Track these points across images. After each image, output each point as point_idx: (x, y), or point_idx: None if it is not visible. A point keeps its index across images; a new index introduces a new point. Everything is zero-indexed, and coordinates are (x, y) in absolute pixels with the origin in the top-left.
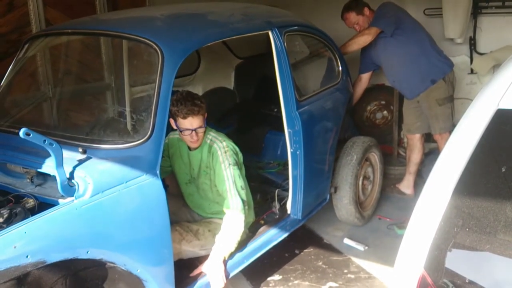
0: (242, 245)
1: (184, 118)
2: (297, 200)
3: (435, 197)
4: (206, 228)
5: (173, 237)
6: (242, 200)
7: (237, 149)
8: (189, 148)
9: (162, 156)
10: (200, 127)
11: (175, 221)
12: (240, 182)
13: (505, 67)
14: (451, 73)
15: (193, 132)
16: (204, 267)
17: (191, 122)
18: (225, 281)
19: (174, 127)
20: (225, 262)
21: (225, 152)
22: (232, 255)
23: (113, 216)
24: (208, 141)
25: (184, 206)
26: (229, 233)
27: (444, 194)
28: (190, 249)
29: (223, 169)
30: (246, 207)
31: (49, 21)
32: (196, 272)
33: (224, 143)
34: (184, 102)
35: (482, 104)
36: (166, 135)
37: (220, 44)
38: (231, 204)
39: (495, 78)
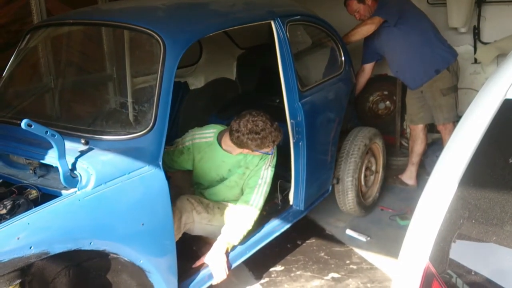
0: (244, 237)
1: (274, 146)
2: (300, 191)
3: (440, 188)
4: (216, 205)
5: (184, 206)
6: (263, 201)
7: None
8: (225, 150)
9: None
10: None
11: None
12: (270, 186)
13: None
14: (455, 62)
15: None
16: (206, 258)
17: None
18: (227, 272)
19: (245, 151)
20: (227, 253)
21: (272, 153)
22: (234, 246)
23: (115, 207)
24: None
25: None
26: (237, 227)
27: (450, 185)
28: (198, 220)
29: (264, 169)
30: (261, 209)
31: (50, 12)
32: (198, 263)
33: (275, 147)
34: (270, 133)
35: (489, 94)
36: (169, 126)
37: (222, 34)
38: (252, 200)
39: (502, 68)
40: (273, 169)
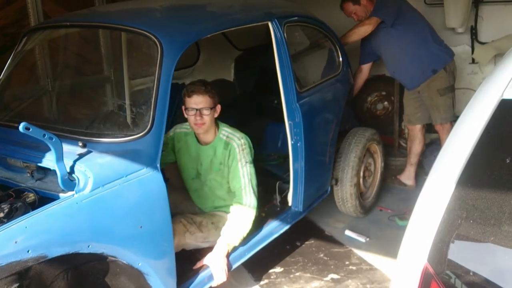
0: (244, 239)
1: (190, 96)
2: (298, 192)
3: (438, 188)
4: (210, 220)
5: (177, 228)
6: (255, 198)
7: (251, 144)
8: (200, 143)
9: (163, 150)
10: (206, 108)
11: (178, 214)
12: (255, 180)
13: (510, 57)
14: (451, 62)
15: (198, 112)
16: (206, 260)
17: (196, 101)
18: (227, 274)
19: (186, 115)
20: (227, 255)
21: (243, 150)
22: (235, 248)
23: (113, 210)
24: (224, 138)
25: (187, 199)
26: (237, 229)
27: (447, 185)
28: (193, 241)
29: (240, 167)
30: (257, 205)
31: (47, 14)
32: (198, 265)
33: (243, 140)
34: (193, 82)
35: (486, 94)
36: (167, 128)
37: (220, 35)
38: (245, 201)
39: (499, 68)
40: (252, 164)
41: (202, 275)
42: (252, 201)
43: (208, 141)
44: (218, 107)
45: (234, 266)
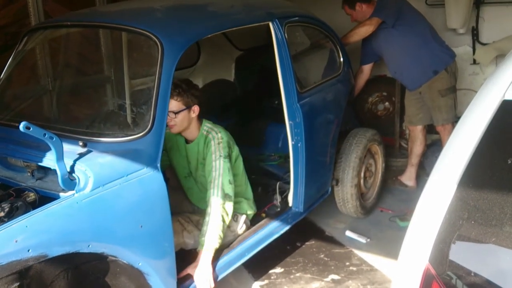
0: (243, 238)
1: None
2: (299, 192)
3: (439, 189)
4: None
5: (175, 228)
6: (224, 194)
7: (231, 142)
8: (186, 141)
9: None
10: (171, 112)
11: (177, 213)
12: (228, 176)
13: (511, 57)
14: (453, 63)
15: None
16: (190, 269)
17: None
18: (212, 285)
19: None
20: (213, 264)
21: (218, 144)
22: (233, 248)
23: (114, 210)
24: (205, 133)
25: (186, 199)
26: (210, 228)
27: (449, 186)
28: (191, 240)
29: (213, 159)
30: (229, 203)
31: (48, 13)
32: (183, 274)
33: (220, 135)
34: (177, 84)
35: (488, 95)
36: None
37: (220, 35)
38: (211, 196)
39: (500, 69)
40: (227, 160)
41: None
42: (218, 196)
43: (192, 139)
44: (195, 108)
45: (235, 266)
